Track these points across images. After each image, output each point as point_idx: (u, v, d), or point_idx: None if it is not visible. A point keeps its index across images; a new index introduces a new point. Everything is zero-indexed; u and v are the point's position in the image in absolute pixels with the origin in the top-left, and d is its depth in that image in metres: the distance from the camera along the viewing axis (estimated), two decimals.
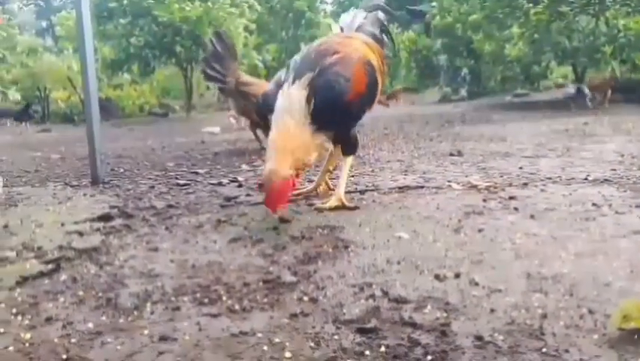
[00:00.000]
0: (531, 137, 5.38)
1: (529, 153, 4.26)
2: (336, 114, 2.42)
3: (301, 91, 2.35)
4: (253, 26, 14.01)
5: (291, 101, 2.35)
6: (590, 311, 1.34)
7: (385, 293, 1.52)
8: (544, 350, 1.18)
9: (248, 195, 2.99)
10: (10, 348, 1.31)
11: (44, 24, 23.97)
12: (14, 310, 1.52)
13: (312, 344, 1.26)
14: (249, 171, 3.97)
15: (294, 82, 2.38)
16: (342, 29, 2.91)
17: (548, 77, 14.17)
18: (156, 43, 12.48)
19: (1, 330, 1.40)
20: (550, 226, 2.10)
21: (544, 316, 1.33)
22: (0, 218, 2.61)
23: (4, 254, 2.01)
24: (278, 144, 2.32)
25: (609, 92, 9.20)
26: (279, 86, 2.46)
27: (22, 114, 10.71)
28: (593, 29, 10.17)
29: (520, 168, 3.52)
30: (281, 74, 2.56)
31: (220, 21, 12.20)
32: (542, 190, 2.77)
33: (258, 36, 14.77)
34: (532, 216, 2.25)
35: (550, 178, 3.10)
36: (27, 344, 1.32)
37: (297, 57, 2.57)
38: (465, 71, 15.55)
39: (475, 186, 2.92)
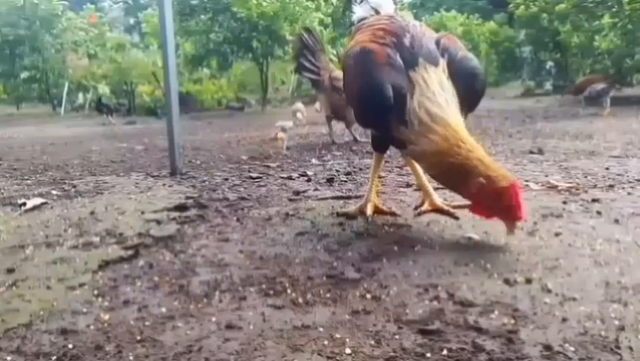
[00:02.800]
0: (621, 135, 5.03)
1: (618, 152, 3.98)
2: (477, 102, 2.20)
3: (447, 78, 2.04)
4: (329, 20, 14.06)
5: (445, 88, 2.02)
6: None
7: (451, 295, 1.48)
8: None
9: (316, 189, 3.03)
10: (91, 327, 1.41)
11: (132, 21, 25.37)
12: (96, 292, 1.63)
13: (373, 342, 1.26)
14: (318, 165, 4.01)
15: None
16: (377, 12, 2.59)
17: None
18: (234, 38, 12.84)
19: (84, 310, 1.51)
20: (636, 232, 1.96)
21: (621, 328, 1.25)
22: (88, 205, 2.81)
23: (90, 239, 2.16)
24: (474, 144, 1.95)
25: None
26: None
27: (101, 107, 11.44)
28: None
29: (607, 168, 3.30)
30: None
31: (296, 16, 12.34)
32: (629, 193, 2.59)
33: (332, 30, 14.80)
34: (616, 221, 2.11)
35: (639, 180, 2.89)
36: (106, 325, 1.42)
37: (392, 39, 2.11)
38: (550, 63, 14.77)
39: (554, 187, 2.78)
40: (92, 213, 2.60)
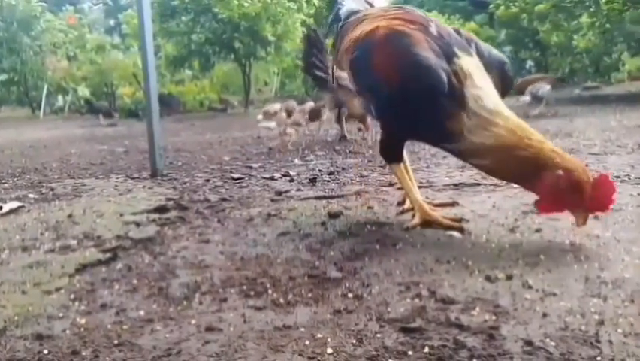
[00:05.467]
0: (600, 132, 5.09)
1: (597, 149, 4.03)
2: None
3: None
4: (311, 21, 14.06)
5: (487, 79, 1.94)
6: None
7: (432, 293, 1.48)
8: (598, 358, 1.11)
9: (299, 189, 3.01)
10: (67, 332, 1.37)
11: (112, 22, 25.10)
12: (72, 296, 1.60)
13: (354, 342, 1.24)
14: (301, 165, 3.99)
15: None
16: (370, 5, 2.55)
17: (620, 70, 13.38)
18: (216, 39, 12.77)
19: (60, 315, 1.48)
20: (615, 227, 1.98)
21: (601, 322, 1.25)
22: (66, 208, 2.76)
23: (67, 242, 2.12)
24: (541, 136, 1.90)
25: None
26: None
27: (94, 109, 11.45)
28: None
29: (586, 165, 3.33)
30: None
31: (278, 17, 12.32)
32: None
33: None
34: (595, 217, 2.13)
35: (618, 177, 2.92)
36: (82, 329, 1.39)
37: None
38: (530, 62, 14.96)
39: None
40: (70, 216, 2.56)
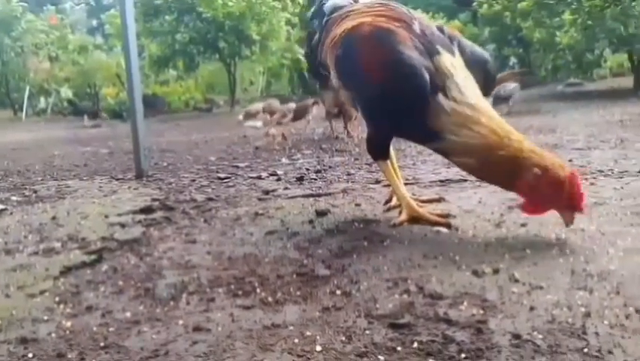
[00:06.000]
0: (583, 128, 5.16)
1: (580, 144, 4.08)
2: None
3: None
4: (296, 20, 14.04)
5: (470, 77, 1.95)
6: (638, 311, 1.26)
7: (420, 288, 1.48)
8: (585, 350, 1.12)
9: (286, 188, 3.00)
10: (53, 335, 1.35)
11: (95, 23, 24.81)
12: (57, 299, 1.57)
13: (344, 338, 1.24)
14: (288, 164, 3.98)
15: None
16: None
17: (602, 66, 13.53)
18: (200, 39, 12.70)
19: (45, 318, 1.45)
20: (599, 220, 2.00)
21: (587, 314, 1.26)
22: (49, 210, 2.72)
23: (51, 245, 2.09)
24: (521, 135, 1.90)
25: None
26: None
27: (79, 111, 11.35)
28: None
29: (570, 160, 3.37)
30: None
31: (263, 16, 12.28)
32: (592, 184, 2.64)
33: (300, 30, 14.77)
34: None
35: (601, 171, 2.96)
36: (68, 332, 1.37)
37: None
38: (514, 60, 15.08)
39: None
40: (54, 218, 2.52)
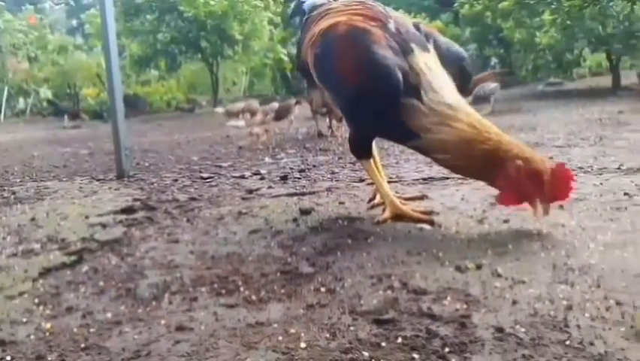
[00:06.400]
0: (563, 126, 5.22)
1: (561, 142, 4.13)
2: None
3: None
4: (278, 20, 14.00)
5: (445, 75, 1.97)
6: (618, 303, 1.28)
7: (404, 284, 1.48)
8: (567, 342, 1.13)
9: (270, 187, 2.99)
10: (32, 337, 1.33)
11: (74, 22, 24.46)
12: (37, 301, 1.54)
13: (328, 335, 1.24)
14: (271, 163, 3.97)
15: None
16: None
17: (581, 65, 13.73)
18: (182, 38, 12.58)
19: (24, 320, 1.43)
20: (580, 216, 2.03)
21: (569, 308, 1.28)
22: (28, 211, 2.67)
23: (30, 246, 2.05)
24: (498, 130, 1.91)
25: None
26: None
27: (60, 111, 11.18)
28: (628, 14, 9.79)
29: (551, 157, 3.40)
30: None
31: (245, 15, 12.21)
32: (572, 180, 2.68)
33: (283, 30, 14.73)
34: (560, 207, 2.17)
35: (581, 168, 3.00)
36: (47, 334, 1.34)
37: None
38: (495, 60, 15.22)
39: None
40: (33, 219, 2.47)
